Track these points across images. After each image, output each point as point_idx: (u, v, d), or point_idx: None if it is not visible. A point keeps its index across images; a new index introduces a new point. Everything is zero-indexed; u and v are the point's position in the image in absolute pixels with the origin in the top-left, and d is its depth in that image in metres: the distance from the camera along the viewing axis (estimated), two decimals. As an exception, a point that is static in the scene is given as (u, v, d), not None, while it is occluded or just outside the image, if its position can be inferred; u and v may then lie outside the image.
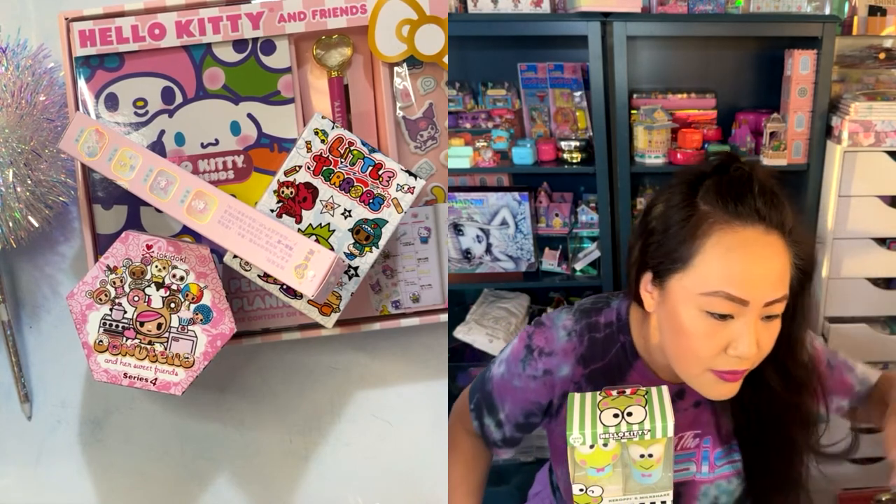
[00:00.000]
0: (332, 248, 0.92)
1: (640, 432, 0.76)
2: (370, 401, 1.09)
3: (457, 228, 1.41)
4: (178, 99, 0.99)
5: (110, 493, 1.08)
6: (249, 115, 1.00)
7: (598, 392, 0.81)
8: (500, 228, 1.41)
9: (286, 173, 0.92)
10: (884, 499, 1.30)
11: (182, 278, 0.92)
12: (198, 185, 0.89)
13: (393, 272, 1.02)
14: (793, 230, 0.77)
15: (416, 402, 1.09)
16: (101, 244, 0.99)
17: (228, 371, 1.08)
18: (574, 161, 1.40)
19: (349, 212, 0.92)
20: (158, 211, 0.97)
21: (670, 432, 0.76)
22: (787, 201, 0.78)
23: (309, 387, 1.09)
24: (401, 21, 1.00)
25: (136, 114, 0.99)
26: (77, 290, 0.91)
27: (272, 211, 0.92)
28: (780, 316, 0.78)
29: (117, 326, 0.91)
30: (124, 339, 0.91)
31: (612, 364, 0.87)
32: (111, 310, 0.91)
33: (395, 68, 1.02)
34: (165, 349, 0.91)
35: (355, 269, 0.93)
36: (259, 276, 0.92)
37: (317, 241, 0.91)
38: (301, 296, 0.92)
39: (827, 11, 1.35)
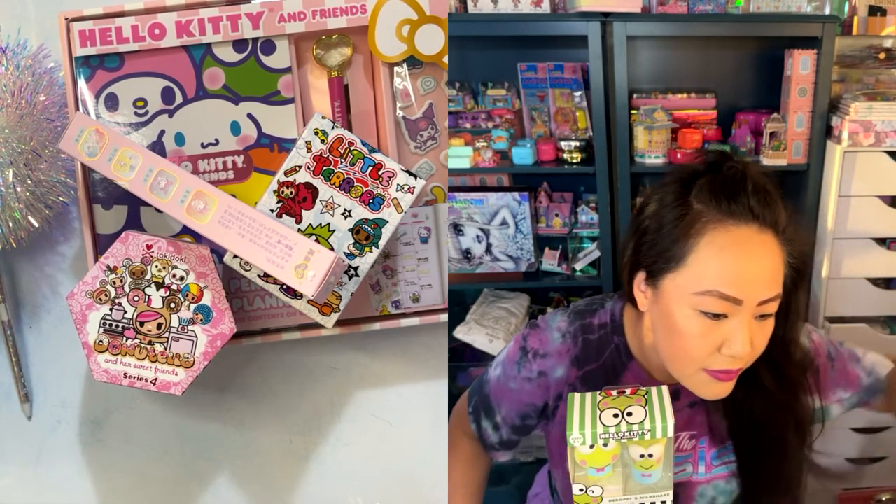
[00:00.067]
0: (332, 248, 0.92)
1: (640, 432, 0.76)
2: (370, 401, 1.09)
3: (457, 228, 1.41)
4: (178, 99, 0.99)
5: (110, 493, 1.08)
6: (249, 115, 1.00)
7: (598, 392, 0.80)
8: (500, 228, 1.41)
9: (286, 173, 0.92)
10: (884, 499, 1.30)
11: (182, 278, 0.92)
12: (198, 185, 0.89)
13: (393, 272, 1.02)
14: (786, 229, 0.77)
15: (416, 402, 1.09)
16: (101, 244, 0.99)
17: (228, 371, 1.08)
18: (574, 161, 1.40)
19: (349, 212, 0.92)
20: (158, 211, 0.97)
21: (670, 432, 0.76)
22: (781, 200, 0.78)
23: (309, 387, 1.09)
24: (401, 21, 1.00)
25: (136, 114, 0.99)
26: (77, 290, 0.91)
27: (272, 211, 0.92)
28: (774, 315, 0.78)
29: (117, 326, 0.91)
30: (124, 339, 0.91)
31: (607, 365, 0.87)
32: (111, 310, 0.91)
33: (395, 68, 1.02)
34: (165, 349, 0.91)
35: (355, 269, 0.93)
36: (259, 276, 0.92)
37: (317, 241, 0.91)
38: (301, 296, 0.92)
39: (827, 11, 1.35)
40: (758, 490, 0.88)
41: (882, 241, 1.31)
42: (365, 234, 0.92)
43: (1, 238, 0.96)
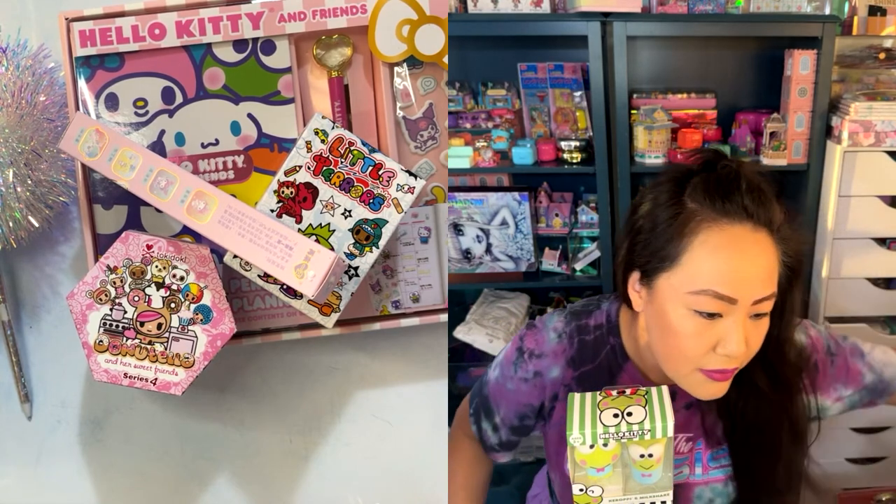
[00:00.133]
0: (332, 248, 0.92)
1: (640, 432, 0.76)
2: (370, 401, 1.09)
3: (457, 228, 1.41)
4: (179, 99, 0.99)
5: (110, 493, 1.08)
6: (249, 115, 1.00)
7: (598, 392, 0.80)
8: (500, 228, 1.41)
9: (286, 173, 0.92)
10: (884, 499, 1.30)
11: (182, 278, 0.92)
12: (198, 185, 0.89)
13: (393, 272, 1.02)
14: (780, 228, 0.77)
15: (416, 402, 1.09)
16: (101, 244, 0.99)
17: (228, 371, 1.08)
18: (574, 161, 1.40)
19: (349, 212, 0.92)
20: (158, 211, 0.97)
21: (670, 432, 0.76)
22: (775, 199, 0.77)
23: (309, 387, 1.09)
24: (401, 21, 1.00)
25: (136, 114, 0.99)
26: (77, 290, 0.91)
27: (272, 211, 0.92)
28: (769, 314, 0.78)
29: (117, 326, 0.91)
30: (124, 339, 0.91)
31: (603, 366, 0.87)
32: (111, 310, 0.91)
33: (395, 68, 1.02)
34: (165, 349, 0.91)
35: (355, 269, 0.93)
36: (259, 276, 0.92)
37: (317, 241, 0.91)
38: (301, 296, 0.92)
39: (827, 11, 1.35)
40: (754, 492, 0.87)
41: (882, 241, 1.31)
42: (365, 234, 0.92)
43: (1, 238, 0.96)
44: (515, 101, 1.46)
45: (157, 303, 0.92)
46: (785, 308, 0.81)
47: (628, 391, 0.80)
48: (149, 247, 0.92)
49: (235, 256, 0.91)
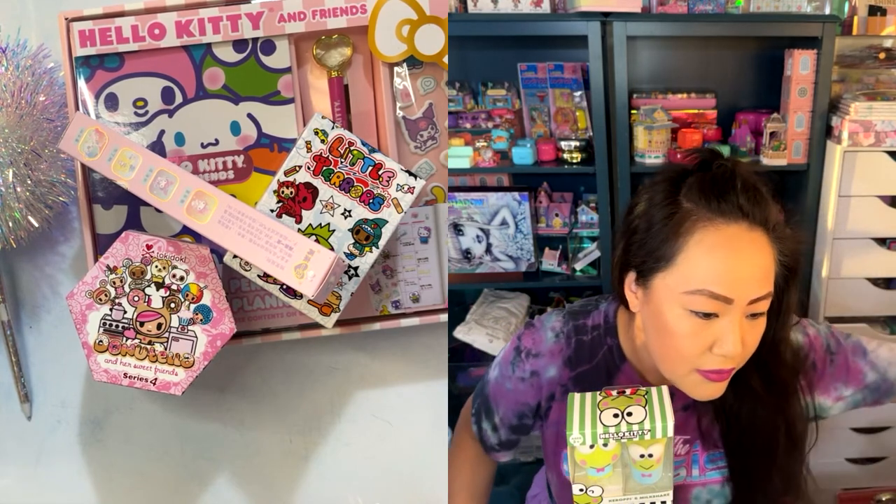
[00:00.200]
0: (332, 248, 0.92)
1: (640, 432, 0.76)
2: (370, 401, 1.09)
3: (457, 228, 1.41)
4: (178, 99, 0.99)
5: (110, 493, 1.08)
6: (249, 115, 1.00)
7: (598, 392, 0.80)
8: (500, 228, 1.41)
9: (286, 173, 0.92)
10: (884, 499, 1.30)
11: (182, 278, 0.92)
12: (198, 185, 0.89)
13: (393, 272, 1.02)
14: (776, 227, 0.76)
15: (416, 402, 1.09)
16: (101, 244, 0.99)
17: (228, 371, 1.08)
18: (574, 161, 1.40)
19: (349, 212, 0.92)
20: (158, 211, 0.97)
21: (670, 432, 0.76)
22: (771, 198, 0.77)
23: (309, 387, 1.09)
24: (401, 21, 1.00)
25: (136, 114, 0.99)
26: (77, 290, 0.91)
27: (272, 211, 0.92)
28: (766, 313, 0.77)
29: (117, 326, 0.91)
30: (124, 339, 0.91)
31: (600, 367, 0.86)
32: (111, 310, 0.91)
33: (395, 68, 1.02)
34: (165, 349, 0.91)
35: (355, 269, 0.93)
36: (259, 276, 0.92)
37: (317, 241, 0.91)
38: (301, 296, 0.92)
39: (827, 11, 1.35)
40: (750, 494, 0.86)
41: (882, 241, 1.31)
42: (365, 234, 0.92)
43: (1, 238, 0.96)
44: (515, 101, 1.46)
45: (156, 303, 0.92)
46: (782, 308, 0.80)
47: (628, 391, 0.80)
48: (149, 247, 0.92)
49: (235, 256, 0.91)
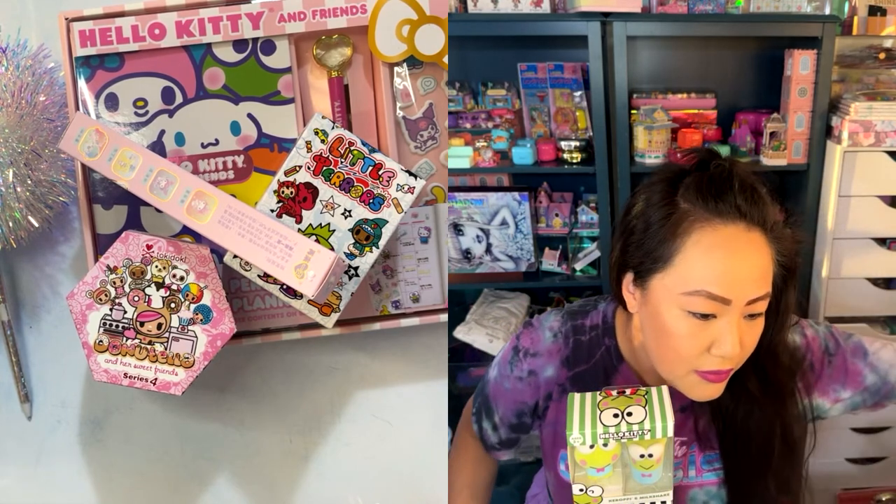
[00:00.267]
0: (332, 248, 0.92)
1: (640, 432, 0.76)
2: (370, 401, 1.09)
3: (457, 228, 1.41)
4: (178, 99, 0.99)
5: (110, 493, 1.08)
6: (249, 115, 1.00)
7: (598, 392, 0.80)
8: (500, 228, 1.41)
9: (286, 173, 0.92)
10: (884, 499, 1.30)
11: (182, 278, 0.92)
12: (198, 185, 0.89)
13: (393, 272, 1.02)
14: (774, 227, 0.76)
15: (416, 402, 1.09)
16: (101, 244, 0.99)
17: (228, 371, 1.08)
18: (574, 161, 1.40)
19: (349, 212, 0.92)
20: (158, 211, 0.97)
21: (670, 432, 0.76)
22: (769, 198, 0.77)
23: (309, 387, 1.09)
24: (401, 21, 1.00)
25: (136, 114, 0.99)
26: (77, 290, 0.91)
27: (272, 211, 0.92)
28: (764, 314, 0.77)
29: (117, 326, 0.91)
30: (124, 339, 0.91)
31: (597, 367, 0.86)
32: (111, 310, 0.91)
33: (395, 68, 1.02)
34: (165, 349, 0.91)
35: (355, 269, 0.93)
36: (259, 276, 0.92)
37: (317, 241, 0.91)
38: (301, 296, 0.92)
39: (827, 11, 1.35)
40: (744, 498, 0.86)
41: (882, 241, 1.31)
42: (365, 234, 0.92)
43: (1, 238, 0.96)
44: (515, 101, 1.46)
45: (157, 303, 0.92)
46: (780, 308, 0.80)
47: (628, 391, 0.80)
48: (149, 247, 0.92)
49: (235, 256, 0.91)
